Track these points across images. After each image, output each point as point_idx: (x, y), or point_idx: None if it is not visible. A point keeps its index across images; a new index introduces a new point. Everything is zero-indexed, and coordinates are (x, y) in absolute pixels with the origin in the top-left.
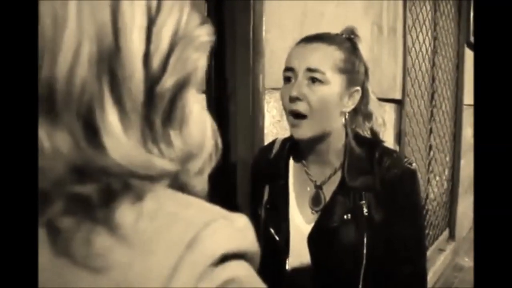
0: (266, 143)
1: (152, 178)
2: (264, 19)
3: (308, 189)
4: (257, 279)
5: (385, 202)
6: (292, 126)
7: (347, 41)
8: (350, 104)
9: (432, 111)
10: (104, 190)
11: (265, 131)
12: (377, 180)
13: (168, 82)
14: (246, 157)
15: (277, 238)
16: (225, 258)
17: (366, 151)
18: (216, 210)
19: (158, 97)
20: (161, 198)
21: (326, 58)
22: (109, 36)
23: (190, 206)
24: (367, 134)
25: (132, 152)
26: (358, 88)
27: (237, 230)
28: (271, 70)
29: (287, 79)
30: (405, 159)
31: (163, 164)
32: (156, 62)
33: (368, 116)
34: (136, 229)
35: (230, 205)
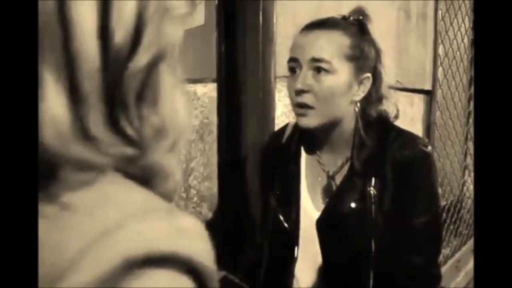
0: None
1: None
2: (275, 1)
3: (320, 178)
4: None
5: (395, 188)
6: (298, 115)
7: (355, 24)
8: (360, 92)
9: (469, 103)
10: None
11: (277, 121)
12: (387, 164)
13: (141, 60)
14: (256, 148)
15: (286, 225)
16: (152, 261)
17: (377, 136)
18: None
19: (130, 77)
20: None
21: (331, 46)
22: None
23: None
24: (373, 114)
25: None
26: (369, 74)
27: (177, 230)
28: (284, 57)
29: (292, 70)
30: (419, 141)
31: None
32: (119, 37)
33: (379, 100)
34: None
35: (241, 193)
